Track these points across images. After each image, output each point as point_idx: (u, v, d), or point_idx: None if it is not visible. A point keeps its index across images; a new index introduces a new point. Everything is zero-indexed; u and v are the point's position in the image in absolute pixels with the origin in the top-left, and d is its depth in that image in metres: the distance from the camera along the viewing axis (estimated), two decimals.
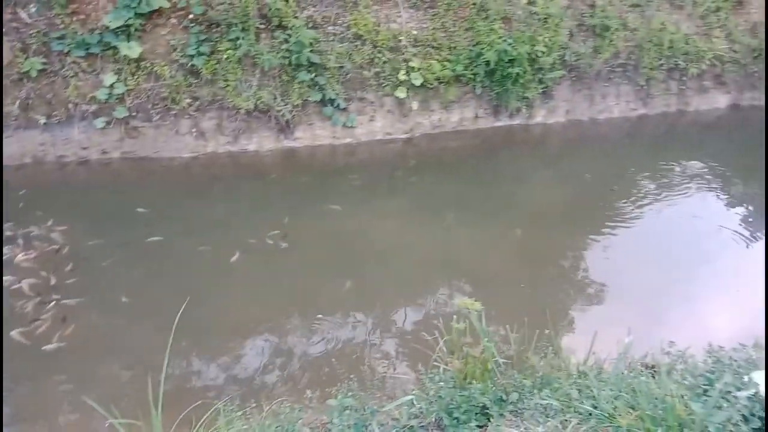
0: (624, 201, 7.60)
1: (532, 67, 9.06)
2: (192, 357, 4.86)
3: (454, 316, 3.88)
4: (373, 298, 5.65)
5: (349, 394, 3.57)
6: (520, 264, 6.32)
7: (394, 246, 6.53)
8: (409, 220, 7.06)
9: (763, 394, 2.89)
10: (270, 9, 8.02)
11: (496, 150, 9.05)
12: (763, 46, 10.38)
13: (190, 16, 7.84)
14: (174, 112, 7.98)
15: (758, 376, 3.04)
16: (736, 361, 3.56)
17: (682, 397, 2.54)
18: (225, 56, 7.94)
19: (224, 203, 7.22)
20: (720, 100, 10.70)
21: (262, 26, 8.15)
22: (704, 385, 2.90)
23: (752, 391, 2.88)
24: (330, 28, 8.40)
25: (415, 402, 3.23)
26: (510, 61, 8.75)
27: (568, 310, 4.54)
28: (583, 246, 6.71)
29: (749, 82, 10.74)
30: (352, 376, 3.84)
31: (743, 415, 2.57)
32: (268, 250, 6.20)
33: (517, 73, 8.86)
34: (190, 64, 7.87)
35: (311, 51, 8.12)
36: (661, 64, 9.99)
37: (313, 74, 8.24)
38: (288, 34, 8.06)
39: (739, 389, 2.81)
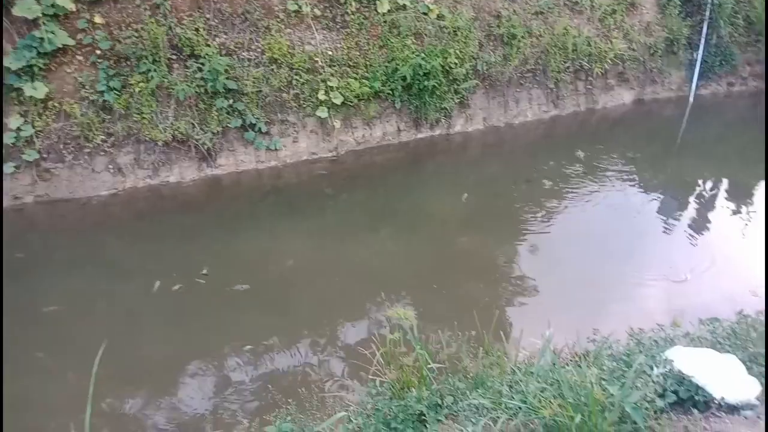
0: (544, 198, 7.92)
1: (446, 79, 9.33)
2: (120, 400, 4.69)
3: (388, 328, 3.94)
4: (306, 321, 5.62)
5: (288, 418, 3.55)
6: (449, 270, 6.45)
7: (325, 266, 6.53)
8: (338, 238, 7.09)
9: (680, 369, 3.09)
10: (180, 39, 7.91)
11: (421, 161, 9.24)
12: (659, 44, 11.11)
13: (98, 51, 7.63)
14: (88, 150, 7.71)
15: (672, 353, 3.24)
16: (656, 341, 3.78)
17: (602, 381, 2.68)
18: (137, 89, 7.76)
19: (148, 239, 7.03)
20: (625, 96, 11.36)
21: (174, 56, 8.02)
22: (623, 367, 3.07)
23: (666, 368, 3.08)
24: (244, 53, 8.37)
25: (352, 418, 3.24)
26: (425, 74, 8.98)
27: (495, 309, 4.68)
28: (508, 246, 6.93)
29: (649, 77, 11.48)
30: (289, 400, 3.81)
31: (657, 391, 2.74)
32: (194, 284, 6.07)
33: (433, 86, 9.10)
34: (101, 100, 7.64)
35: (227, 78, 8.06)
36: (568, 67, 10.51)
37: (231, 100, 8.17)
38: (201, 63, 7.97)
39: (653, 368, 3.00)
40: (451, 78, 9.38)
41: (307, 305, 5.89)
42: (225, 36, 8.31)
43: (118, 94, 7.71)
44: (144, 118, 7.83)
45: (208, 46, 8.08)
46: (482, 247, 6.88)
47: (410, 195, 8.16)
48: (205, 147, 8.15)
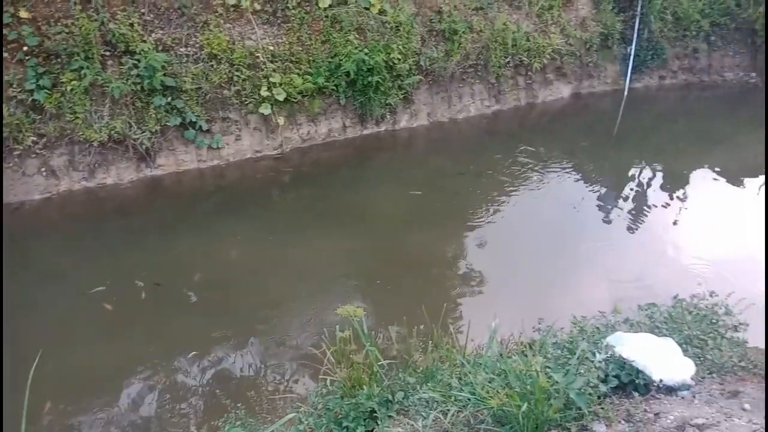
0: (489, 192, 8.05)
1: (390, 75, 9.34)
2: (60, 412, 4.49)
3: (338, 327, 3.92)
4: (254, 324, 5.54)
5: (237, 423, 3.48)
6: (397, 266, 6.48)
7: (272, 266, 6.45)
8: (285, 237, 7.00)
9: (621, 354, 3.18)
10: (114, 35, 7.62)
11: (367, 157, 9.22)
12: (595, 38, 11.45)
13: (25, 48, 7.26)
14: (18, 152, 7.35)
15: (613, 339, 3.34)
16: (597, 328, 3.89)
17: (547, 369, 2.73)
18: (69, 87, 7.43)
19: (84, 245, 6.75)
20: (563, 91, 11.65)
21: (108, 53, 7.73)
22: (567, 355, 3.14)
23: (608, 353, 3.17)
24: (182, 49, 8.14)
25: (302, 418, 3.20)
26: (369, 70, 8.97)
27: (444, 303, 4.72)
28: (455, 241, 7.01)
29: (586, 71, 11.81)
30: (239, 404, 3.74)
31: (600, 377, 2.82)
32: (135, 290, 5.88)
33: (377, 81, 9.10)
34: (30, 99, 7.29)
35: (164, 75, 7.82)
36: (508, 62, 10.70)
37: (170, 98, 7.93)
38: (137, 59, 7.70)
39: (595, 354, 3.08)
40: (394, 74, 9.40)
41: (255, 307, 5.79)
42: (161, 31, 8.07)
43: (48, 93, 7.37)
44: (77, 117, 7.51)
45: (144, 42, 7.82)
46: (430, 243, 6.93)
47: (357, 192, 8.14)
48: (144, 147, 7.89)
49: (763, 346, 3.82)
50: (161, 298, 5.80)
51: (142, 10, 7.92)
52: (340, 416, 3.22)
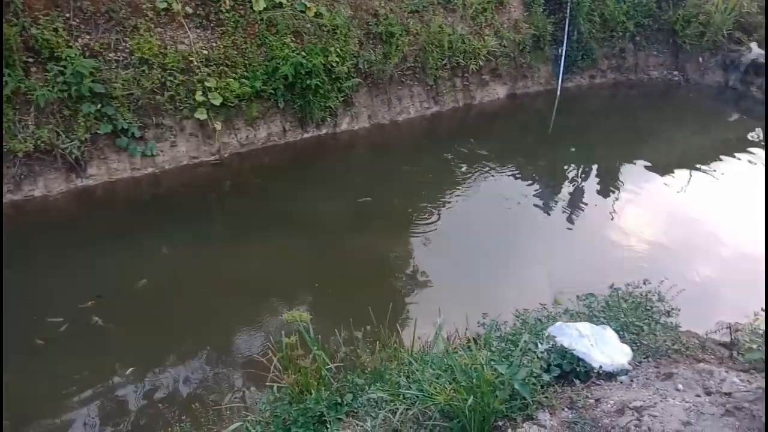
0: (431, 194, 8.12)
1: (329, 78, 9.29)
2: None
3: (283, 333, 3.85)
4: (197, 335, 5.39)
5: None
6: (342, 270, 6.44)
7: (213, 276, 6.28)
8: (226, 245, 6.85)
9: (562, 344, 3.26)
10: (37, 40, 7.26)
11: (309, 162, 9.13)
12: (527, 40, 11.76)
13: None
14: None
15: (554, 330, 3.42)
16: (539, 320, 3.98)
17: (492, 362, 2.76)
18: None
19: (10, 261, 6.37)
20: (499, 91, 11.91)
21: (31, 59, 7.35)
22: (511, 347, 3.19)
23: (550, 344, 3.24)
24: (111, 54, 7.84)
25: (250, 427, 3.13)
26: (307, 73, 8.90)
27: (390, 303, 4.71)
28: (398, 242, 7.04)
29: (520, 72, 12.11)
30: (183, 417, 3.62)
31: (543, 367, 2.88)
32: (68, 308, 5.61)
33: (316, 84, 9.04)
34: None
35: (93, 81, 7.51)
36: (445, 64, 10.84)
37: (99, 105, 7.62)
38: (63, 66, 7.36)
39: (538, 345, 3.14)
40: (333, 77, 9.35)
41: (197, 318, 5.63)
42: (88, 36, 7.74)
43: None
44: None
45: (70, 47, 7.48)
46: (374, 245, 6.93)
47: (299, 197, 8.05)
48: (73, 156, 7.55)
49: (693, 329, 4.01)
50: (98, 314, 5.55)
51: (67, 15, 7.58)
52: (288, 422, 3.17)
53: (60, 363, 5.04)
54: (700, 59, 13.02)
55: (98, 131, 7.69)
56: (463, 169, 8.90)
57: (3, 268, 5.65)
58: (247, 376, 4.86)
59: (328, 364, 3.62)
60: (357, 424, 2.91)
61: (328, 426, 3.02)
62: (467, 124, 11.07)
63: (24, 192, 7.41)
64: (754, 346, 3.24)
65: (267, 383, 3.70)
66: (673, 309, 3.69)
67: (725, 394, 2.60)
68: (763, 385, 2.56)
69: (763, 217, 6.47)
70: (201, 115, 8.39)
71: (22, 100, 7.30)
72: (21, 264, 6.21)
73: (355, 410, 3.14)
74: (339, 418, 3.15)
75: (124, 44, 7.95)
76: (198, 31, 8.54)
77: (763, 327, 3.32)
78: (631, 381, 2.99)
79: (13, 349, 4.94)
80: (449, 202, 7.94)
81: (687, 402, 2.60)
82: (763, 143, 10.22)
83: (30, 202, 7.39)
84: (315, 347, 3.58)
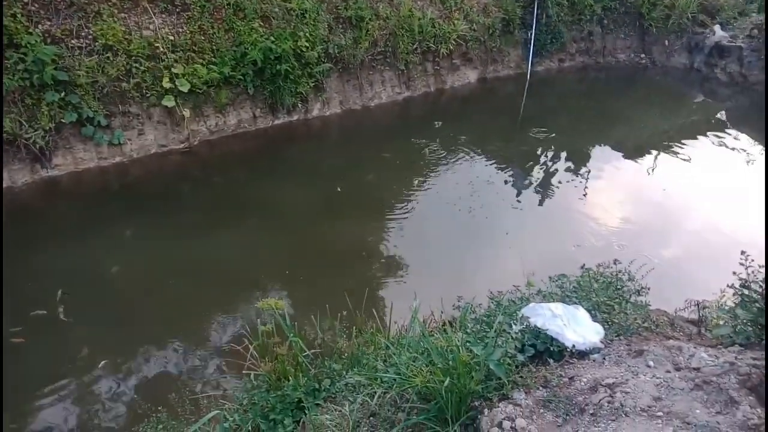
0: (404, 178, 8.12)
1: (299, 63, 9.20)
2: None
3: (259, 321, 3.83)
4: (171, 326, 5.32)
5: (159, 426, 3.35)
6: (317, 257, 6.42)
7: (186, 265, 6.20)
8: (197, 234, 6.76)
9: (536, 324, 3.30)
10: None
11: (280, 148, 9.06)
12: (497, 24, 11.78)
13: None
14: None
15: (528, 310, 3.46)
16: (513, 301, 4.02)
17: (467, 343, 2.79)
18: None
19: None
20: (470, 76, 11.94)
21: None
22: (485, 328, 3.23)
23: (524, 324, 3.28)
24: (73, 41, 7.62)
25: (227, 415, 3.12)
26: (276, 58, 8.79)
27: (366, 288, 4.73)
28: (373, 228, 7.03)
29: (490, 57, 12.15)
30: (159, 407, 3.58)
31: (517, 347, 2.92)
32: (38, 301, 5.49)
33: (286, 70, 8.94)
34: None
35: (55, 68, 7.30)
36: (415, 48, 10.81)
37: (63, 93, 7.42)
38: (23, 53, 7.14)
39: (512, 326, 3.18)
40: (303, 62, 9.25)
41: (170, 308, 5.57)
42: (49, 23, 7.52)
43: None
44: None
45: (30, 34, 7.25)
46: (348, 231, 6.92)
47: (271, 183, 7.98)
48: (37, 146, 7.36)
49: (663, 307, 4.10)
50: (67, 308, 5.45)
51: (25, 0, 7.34)
52: (266, 409, 3.17)
53: (30, 357, 4.94)
54: (666, 42, 13.23)
55: (63, 120, 7.50)
56: (436, 153, 8.91)
57: None
58: (224, 365, 4.83)
59: (305, 351, 3.62)
60: (335, 409, 2.92)
61: (307, 411, 3.03)
62: (439, 109, 11.07)
63: None
64: (721, 323, 3.33)
65: (244, 371, 3.69)
66: (643, 288, 3.76)
67: (694, 369, 2.67)
68: (730, 360, 2.64)
69: (763, 209, 6.58)
70: (169, 102, 8.23)
71: None
72: None
73: (333, 395, 3.15)
74: (317, 404, 3.16)
75: (87, 30, 7.73)
76: (163, 16, 8.35)
77: (729, 303, 3.42)
78: (604, 359, 3.04)
79: None
80: (422, 187, 7.96)
81: (658, 378, 2.66)
82: (728, 125, 10.45)
83: None
84: (292, 334, 3.57)
